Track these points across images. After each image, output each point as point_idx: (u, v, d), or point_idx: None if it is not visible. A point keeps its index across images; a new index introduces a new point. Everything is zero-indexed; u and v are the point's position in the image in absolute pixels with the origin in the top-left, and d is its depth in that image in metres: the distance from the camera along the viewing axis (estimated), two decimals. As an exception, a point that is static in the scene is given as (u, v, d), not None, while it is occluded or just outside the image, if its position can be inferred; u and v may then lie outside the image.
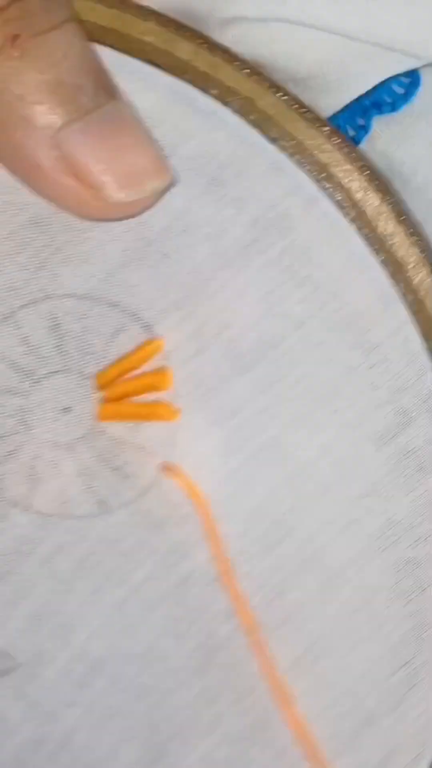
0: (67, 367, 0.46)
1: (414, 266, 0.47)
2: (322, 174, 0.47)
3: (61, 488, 0.46)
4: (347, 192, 0.47)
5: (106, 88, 0.44)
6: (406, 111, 0.55)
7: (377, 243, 0.47)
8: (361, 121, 0.55)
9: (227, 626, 0.47)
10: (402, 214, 0.48)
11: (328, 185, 0.47)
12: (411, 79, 0.55)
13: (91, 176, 0.43)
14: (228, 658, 0.47)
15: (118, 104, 0.44)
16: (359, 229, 0.47)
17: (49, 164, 0.43)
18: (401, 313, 0.48)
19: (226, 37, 0.51)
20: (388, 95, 0.55)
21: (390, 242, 0.47)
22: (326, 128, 0.47)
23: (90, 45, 0.44)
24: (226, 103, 0.47)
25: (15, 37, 0.43)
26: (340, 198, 0.47)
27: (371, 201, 0.47)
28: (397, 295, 0.48)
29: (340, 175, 0.47)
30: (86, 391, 0.46)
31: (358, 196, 0.47)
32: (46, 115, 0.43)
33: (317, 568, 0.47)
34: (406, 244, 0.47)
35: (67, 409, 0.46)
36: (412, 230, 0.47)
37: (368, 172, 0.47)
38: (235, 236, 0.47)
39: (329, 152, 0.47)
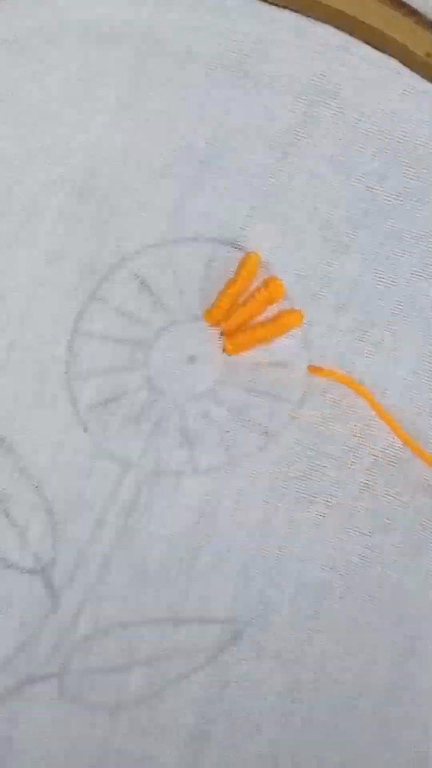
0: (173, 319, 0.44)
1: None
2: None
3: (219, 436, 0.44)
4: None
5: None
6: None
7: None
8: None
9: (427, 499, 0.45)
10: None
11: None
12: None
13: None
14: None
15: None
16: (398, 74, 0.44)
17: None
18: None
19: None
20: None
21: None
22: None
23: None
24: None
25: None
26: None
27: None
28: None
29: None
30: (203, 332, 0.45)
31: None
32: None
33: None
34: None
35: (192, 359, 0.44)
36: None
37: None
38: (284, 118, 0.45)
39: None
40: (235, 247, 0.44)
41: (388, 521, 0.44)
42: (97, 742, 0.44)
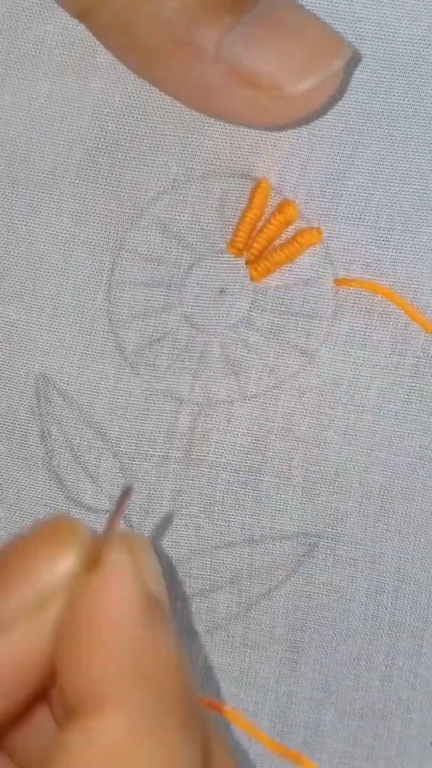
0: (199, 256, 0.46)
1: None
2: None
3: (261, 360, 0.46)
4: None
5: None
6: None
7: None
8: None
9: None
10: None
11: None
12: None
13: (265, 77, 0.40)
14: None
15: None
16: None
17: (219, 80, 0.41)
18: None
19: None
20: None
21: None
22: None
23: None
24: None
25: None
26: None
27: None
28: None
29: None
30: (229, 264, 0.46)
31: None
32: (203, 32, 0.40)
33: None
34: None
35: (222, 291, 0.46)
36: None
37: None
38: None
39: None
40: (246, 178, 0.46)
41: None
42: (198, 663, 0.47)
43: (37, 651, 0.34)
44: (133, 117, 0.46)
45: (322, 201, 0.45)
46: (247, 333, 0.46)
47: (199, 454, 0.46)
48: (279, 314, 0.45)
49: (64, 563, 0.34)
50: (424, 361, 0.46)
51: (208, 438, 0.46)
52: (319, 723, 0.47)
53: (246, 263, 0.46)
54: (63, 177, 0.47)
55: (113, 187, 0.46)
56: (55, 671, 0.34)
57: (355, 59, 0.45)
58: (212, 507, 0.47)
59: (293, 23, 0.40)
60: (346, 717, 0.47)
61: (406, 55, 0.45)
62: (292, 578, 0.47)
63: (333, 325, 0.45)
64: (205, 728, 0.34)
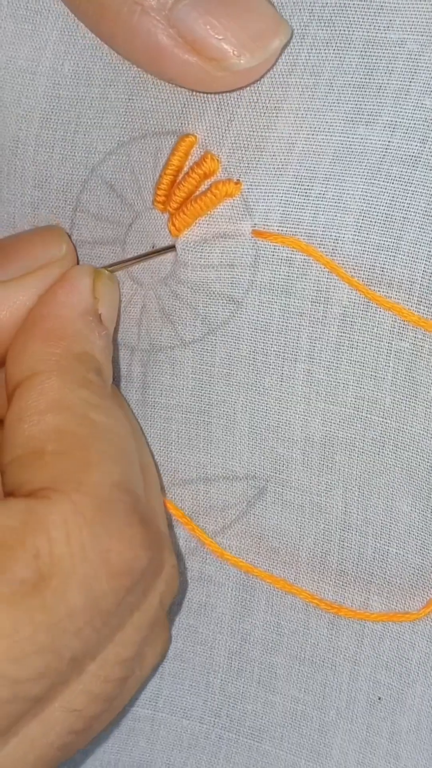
0: (136, 214, 0.49)
1: None
2: None
3: (192, 310, 0.48)
4: None
5: None
6: None
7: None
8: None
9: (404, 343, 0.46)
10: None
11: None
12: None
13: (212, 48, 0.43)
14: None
15: None
16: None
17: (168, 43, 0.43)
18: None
19: None
20: None
21: None
22: None
23: None
24: None
25: None
26: None
27: None
28: None
29: None
30: (156, 220, 0.48)
31: None
32: None
33: None
34: None
35: (154, 246, 0.49)
36: None
37: None
38: None
39: None
40: (177, 135, 0.48)
41: (373, 370, 0.46)
42: None
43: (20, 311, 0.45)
44: (82, 83, 0.49)
45: (245, 153, 0.47)
46: (176, 285, 0.48)
47: (152, 397, 0.49)
48: (201, 268, 0.47)
49: (56, 247, 0.46)
50: (351, 311, 0.46)
51: (159, 381, 0.49)
52: (272, 665, 0.50)
53: (168, 219, 0.48)
54: (25, 145, 0.50)
55: (68, 151, 0.49)
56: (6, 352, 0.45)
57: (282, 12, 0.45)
58: (169, 446, 0.50)
59: (246, 1, 0.43)
60: (298, 662, 0.49)
61: (330, 6, 0.46)
62: (244, 519, 0.49)
63: (255, 275, 0.47)
64: None
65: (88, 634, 0.40)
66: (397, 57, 0.45)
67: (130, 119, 0.48)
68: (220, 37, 0.43)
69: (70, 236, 0.48)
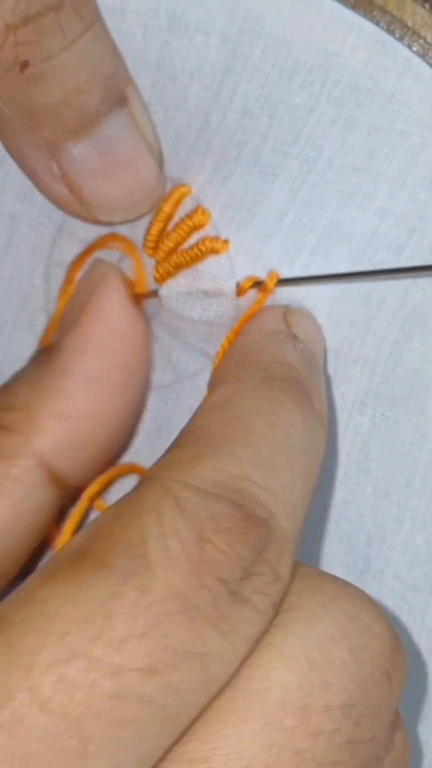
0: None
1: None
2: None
3: (166, 355, 0.49)
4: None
5: (113, 97, 0.45)
6: None
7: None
8: None
9: (364, 419, 0.48)
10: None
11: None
12: None
13: (83, 195, 0.46)
14: None
15: (121, 114, 0.45)
16: None
17: (47, 174, 0.45)
18: (400, 52, 0.46)
19: None
20: None
21: None
22: None
23: (108, 46, 0.45)
24: None
25: (24, 64, 0.43)
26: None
27: None
28: (390, 37, 0.46)
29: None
30: (145, 262, 0.49)
31: None
32: (49, 130, 0.44)
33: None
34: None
35: None
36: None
37: None
38: (214, 60, 0.48)
39: None
40: (174, 182, 0.49)
41: (330, 440, 0.47)
42: None
43: None
44: None
45: (237, 214, 0.47)
46: (157, 328, 0.49)
47: None
48: (181, 318, 0.48)
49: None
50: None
51: None
52: None
53: (155, 264, 0.49)
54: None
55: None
56: None
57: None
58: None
59: (128, 160, 0.45)
60: None
61: (342, 84, 0.46)
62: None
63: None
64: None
65: None
66: (399, 147, 0.46)
67: (127, 156, 0.49)
68: (91, 190, 0.45)
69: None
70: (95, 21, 0.43)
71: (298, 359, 0.43)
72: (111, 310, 0.45)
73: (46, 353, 0.45)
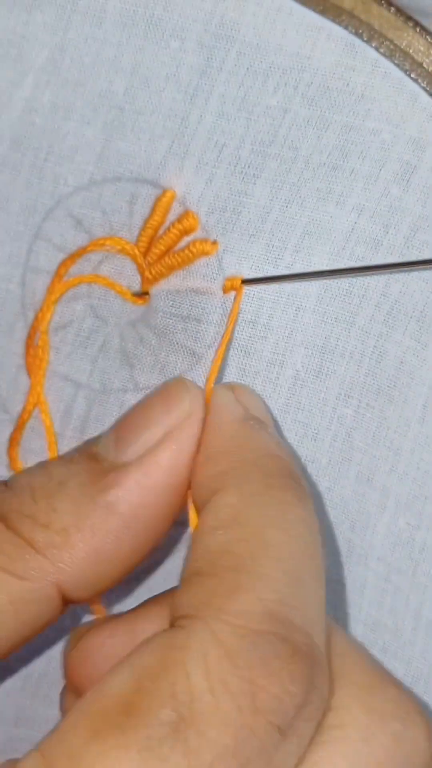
0: (107, 254, 0.50)
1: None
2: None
3: (153, 356, 0.50)
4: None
5: None
6: None
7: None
8: None
9: (348, 410, 0.49)
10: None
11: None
12: None
13: None
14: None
15: None
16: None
17: None
18: (369, 54, 0.48)
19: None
20: None
21: None
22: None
23: None
24: None
25: None
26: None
27: None
28: (358, 39, 0.48)
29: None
30: (132, 265, 0.50)
31: None
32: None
33: None
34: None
35: (127, 287, 0.50)
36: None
37: None
38: (189, 64, 0.49)
39: None
40: (154, 185, 0.49)
41: (315, 431, 0.49)
42: None
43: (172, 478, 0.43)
44: (59, 115, 0.50)
45: (223, 215, 0.49)
46: (144, 330, 0.49)
47: (91, 434, 0.51)
48: (170, 316, 0.49)
49: (178, 409, 0.43)
50: (303, 374, 0.49)
51: (102, 421, 0.51)
52: None
53: (144, 268, 0.49)
54: (-11, 163, 0.50)
55: (35, 177, 0.50)
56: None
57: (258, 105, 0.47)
58: None
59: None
60: None
61: (314, 85, 0.48)
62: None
63: (219, 332, 0.49)
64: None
65: None
66: (371, 144, 0.48)
67: (105, 160, 0.49)
68: None
69: (191, 385, 0.45)
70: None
71: (276, 445, 0.43)
72: (192, 440, 0.43)
73: (101, 464, 0.43)
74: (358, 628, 0.50)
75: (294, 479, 0.41)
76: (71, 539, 0.42)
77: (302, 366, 0.49)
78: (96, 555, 0.42)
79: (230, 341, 0.49)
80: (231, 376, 0.49)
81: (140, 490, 0.42)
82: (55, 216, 0.50)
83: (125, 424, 0.44)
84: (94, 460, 0.43)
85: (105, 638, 0.44)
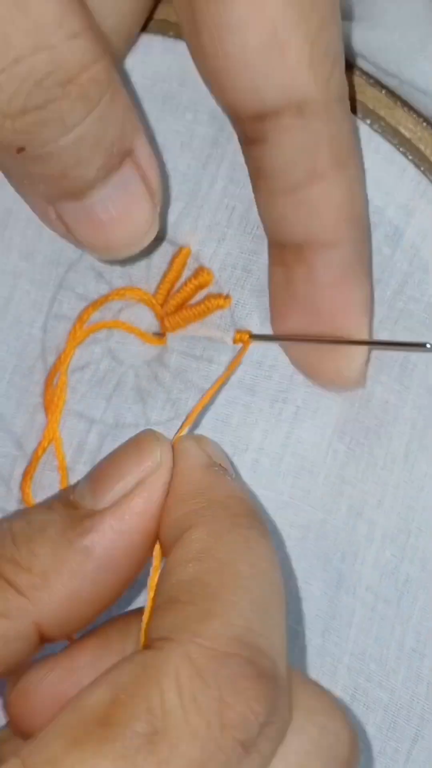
0: (126, 303, 0.54)
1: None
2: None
3: (166, 393, 0.54)
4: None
5: (113, 161, 0.46)
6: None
7: None
8: None
9: (341, 445, 0.53)
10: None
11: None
12: None
13: (76, 237, 0.49)
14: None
15: (122, 171, 0.47)
16: None
17: (45, 215, 0.49)
18: (363, 129, 0.53)
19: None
20: None
21: None
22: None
23: (117, 110, 0.46)
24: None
25: (20, 149, 0.45)
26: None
27: None
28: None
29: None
30: (150, 314, 0.54)
31: None
32: (46, 190, 0.47)
33: None
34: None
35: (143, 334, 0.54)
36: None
37: None
38: (202, 134, 0.54)
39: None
40: (170, 243, 0.54)
41: (311, 464, 0.53)
42: None
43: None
44: None
45: (234, 272, 0.53)
46: (158, 369, 0.54)
47: None
48: (185, 356, 0.53)
49: (149, 460, 0.46)
50: (303, 411, 0.54)
51: None
52: None
53: (163, 317, 0.54)
54: (16, 219, 0.54)
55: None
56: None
57: None
58: None
59: (121, 214, 0.48)
60: None
61: None
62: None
63: (227, 372, 0.53)
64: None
65: None
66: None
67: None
68: (86, 237, 0.49)
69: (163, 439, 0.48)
70: (104, 93, 0.44)
71: (239, 487, 0.46)
72: (162, 487, 0.46)
73: (78, 511, 0.46)
74: (344, 657, 0.53)
75: (257, 518, 0.44)
76: (51, 581, 0.44)
77: (303, 403, 0.53)
78: (73, 596, 0.45)
79: (219, 389, 0.53)
80: (237, 412, 0.54)
81: (114, 534, 0.45)
82: (78, 268, 0.54)
83: (100, 474, 0.46)
84: (71, 507, 0.46)
85: (45, 674, 0.47)
